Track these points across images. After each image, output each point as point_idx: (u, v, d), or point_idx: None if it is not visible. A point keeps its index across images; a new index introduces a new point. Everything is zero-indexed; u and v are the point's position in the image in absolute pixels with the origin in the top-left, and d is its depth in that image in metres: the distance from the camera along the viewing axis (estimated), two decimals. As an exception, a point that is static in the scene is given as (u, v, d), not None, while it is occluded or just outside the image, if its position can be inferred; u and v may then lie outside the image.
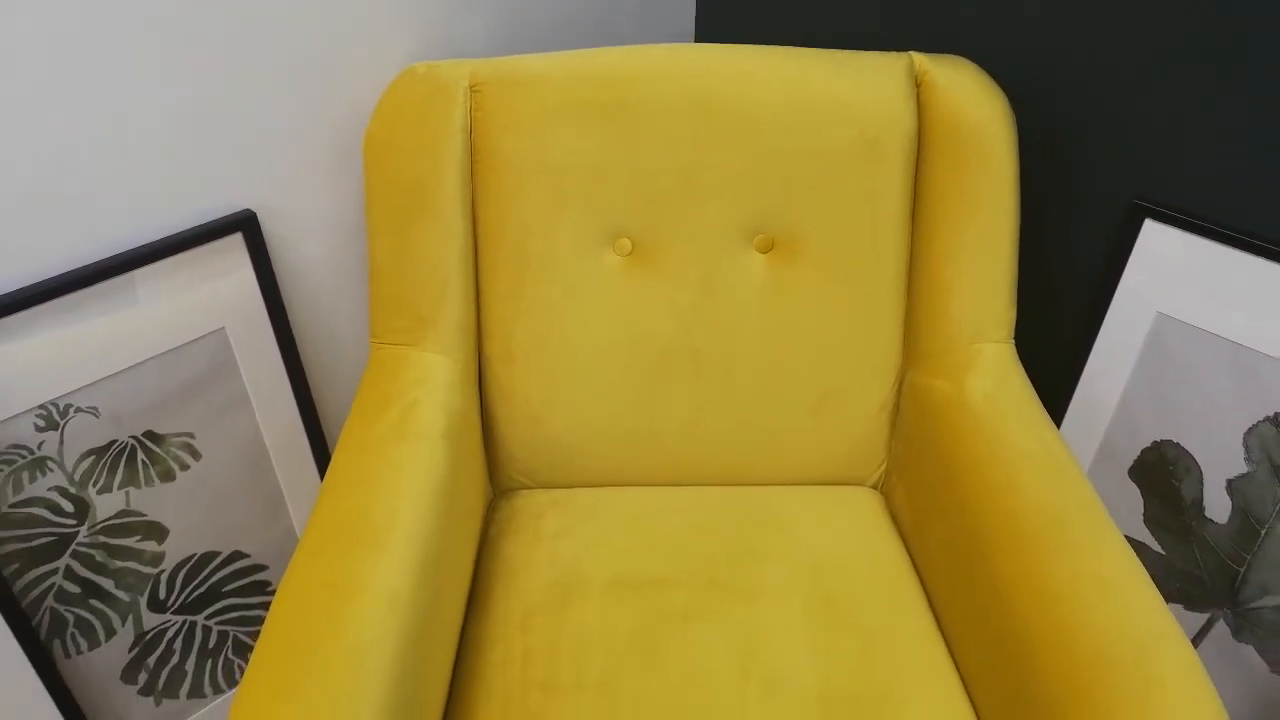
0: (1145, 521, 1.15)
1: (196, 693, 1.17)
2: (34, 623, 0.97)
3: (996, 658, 0.84)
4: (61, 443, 0.95)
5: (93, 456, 0.97)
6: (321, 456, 1.17)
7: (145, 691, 1.11)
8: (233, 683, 1.20)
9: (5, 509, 0.92)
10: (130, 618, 1.07)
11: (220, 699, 1.19)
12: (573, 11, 1.23)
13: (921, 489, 1.03)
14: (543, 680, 0.87)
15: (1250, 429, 1.03)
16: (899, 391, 1.08)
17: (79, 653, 1.03)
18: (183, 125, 0.93)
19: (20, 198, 0.85)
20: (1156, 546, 1.15)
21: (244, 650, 1.20)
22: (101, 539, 1.01)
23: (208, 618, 1.14)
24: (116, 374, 0.96)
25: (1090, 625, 0.76)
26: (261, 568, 1.17)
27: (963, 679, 0.90)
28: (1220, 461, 1.06)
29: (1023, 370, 1.01)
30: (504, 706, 0.85)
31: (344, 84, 1.04)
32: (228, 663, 1.19)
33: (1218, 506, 1.08)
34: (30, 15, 0.79)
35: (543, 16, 1.19)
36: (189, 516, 1.07)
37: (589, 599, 0.95)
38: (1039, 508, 0.85)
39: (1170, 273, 1.04)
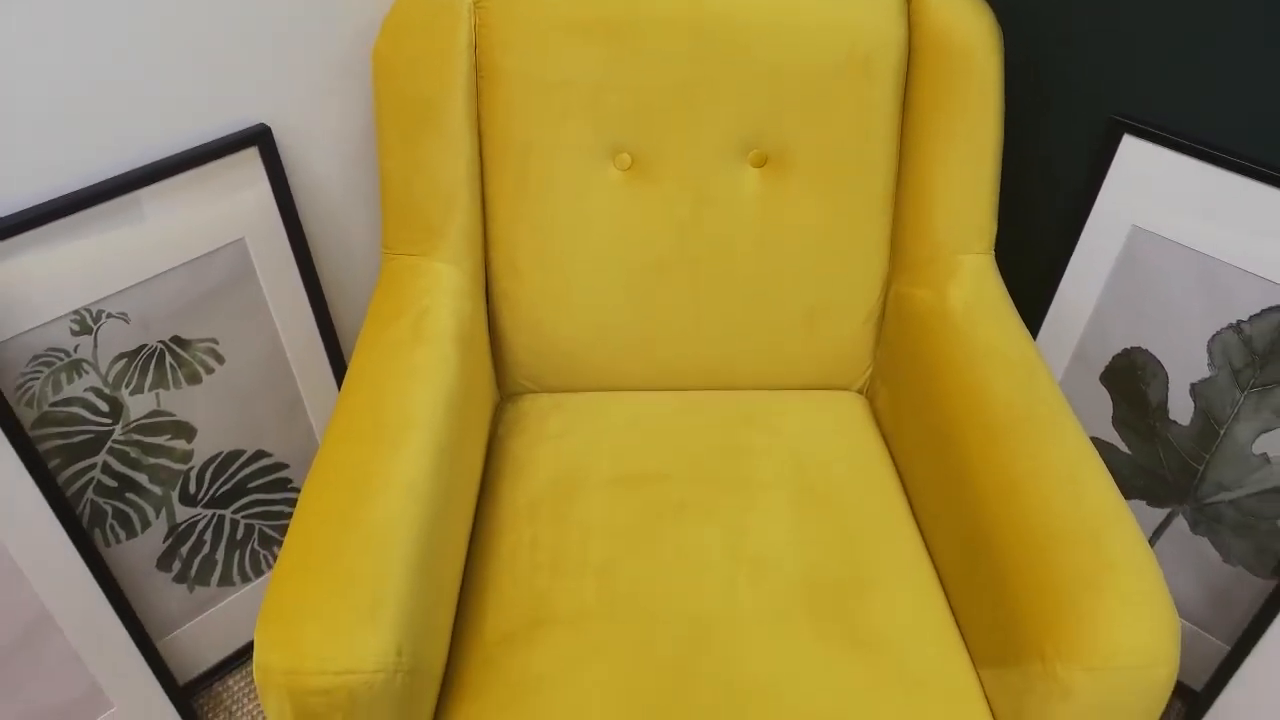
0: (1114, 423, 1.22)
1: (226, 581, 1.25)
2: (77, 513, 1.04)
3: (964, 544, 0.91)
4: (95, 346, 1.01)
5: (124, 360, 1.04)
6: (337, 362, 1.23)
7: (179, 579, 1.20)
8: (259, 572, 1.29)
9: (46, 408, 0.99)
10: (163, 510, 1.14)
11: (248, 587, 1.28)
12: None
13: (902, 392, 1.09)
14: (548, 563, 0.95)
15: (1214, 336, 1.09)
16: (885, 301, 1.14)
17: (118, 542, 1.11)
18: (199, 44, 0.97)
19: (46, 116, 0.89)
20: (1123, 446, 1.22)
21: (269, 542, 1.28)
22: (135, 437, 1.08)
23: (235, 512, 1.22)
24: (144, 281, 1.02)
25: (1048, 512, 0.83)
26: (283, 466, 1.24)
27: (935, 565, 0.98)
28: (1185, 366, 1.12)
29: (1001, 281, 1.07)
30: (513, 585, 0.93)
31: (354, 1, 1.07)
32: (254, 554, 1.27)
33: (1181, 409, 1.15)
34: (53, -65, 0.83)
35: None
36: (215, 417, 1.14)
37: (590, 492, 1.02)
38: (1007, 405, 0.92)
39: (1146, 187, 1.09)
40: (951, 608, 0.94)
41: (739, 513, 1.00)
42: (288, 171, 1.09)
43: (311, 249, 1.15)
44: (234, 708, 1.28)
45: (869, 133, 1.06)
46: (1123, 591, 0.77)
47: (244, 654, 1.31)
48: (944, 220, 1.07)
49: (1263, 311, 1.04)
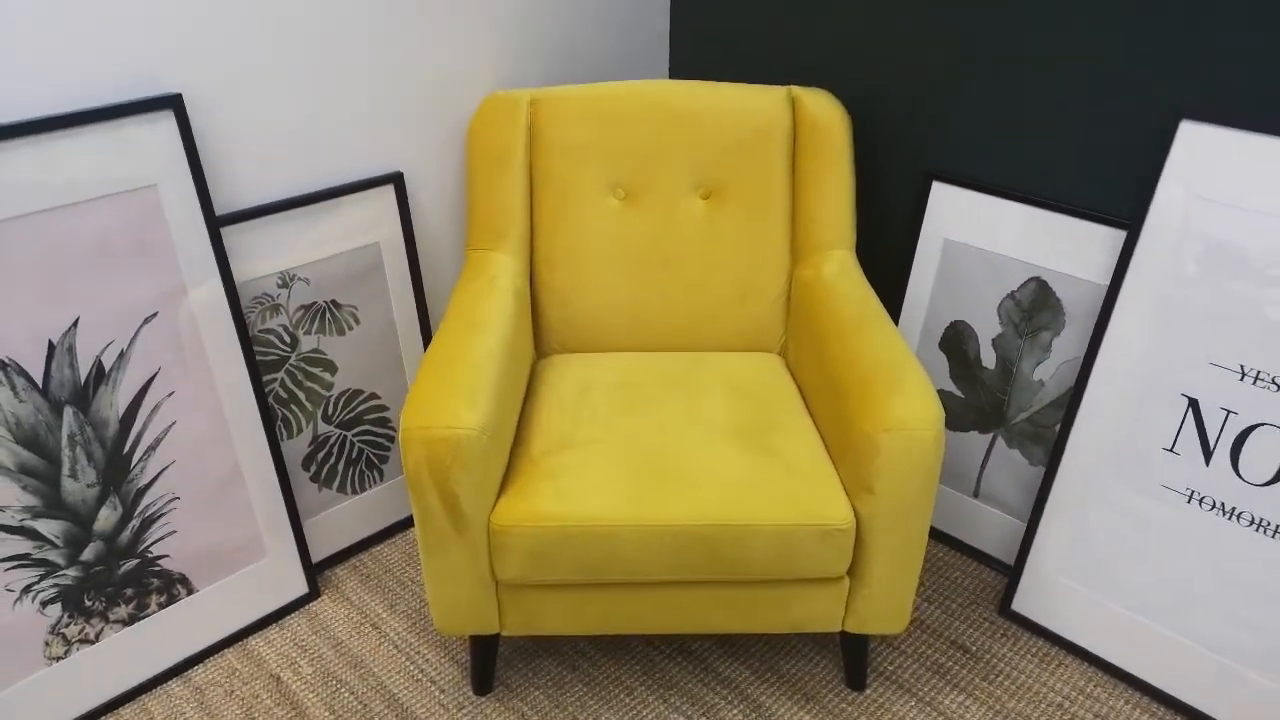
0: (950, 377, 1.79)
1: (341, 489, 1.79)
2: (269, 409, 1.60)
3: (826, 394, 1.47)
4: (289, 297, 1.60)
5: (302, 310, 1.63)
6: (426, 335, 1.82)
7: (314, 479, 1.74)
8: (363, 489, 1.82)
9: (256, 331, 1.58)
10: (311, 423, 1.70)
11: (354, 498, 1.81)
12: (589, 63, 1.95)
13: (799, 338, 1.68)
14: (571, 419, 1.51)
15: (1000, 303, 1.68)
16: (789, 283, 1.74)
17: (285, 439, 1.66)
18: (372, 118, 1.63)
19: (298, 148, 1.54)
20: (958, 393, 1.78)
21: (373, 465, 1.82)
22: (301, 365, 1.66)
23: (354, 435, 1.77)
24: (322, 259, 1.63)
25: (871, 362, 1.40)
26: (385, 407, 1.81)
27: (814, 420, 1.53)
28: (986, 328, 1.71)
29: (857, 265, 1.67)
30: (549, 429, 1.49)
31: (457, 102, 1.74)
32: (361, 473, 1.81)
33: (989, 359, 1.72)
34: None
35: (569, 69, 1.91)
36: (350, 362, 1.72)
37: (598, 390, 1.59)
38: (852, 319, 1.51)
39: (951, 214, 1.72)
40: (823, 440, 1.48)
41: (692, 399, 1.56)
42: (409, 201, 1.73)
43: (419, 254, 1.77)
44: (341, 587, 1.77)
45: (773, 176, 1.70)
46: (908, 392, 1.34)
47: (348, 553, 1.82)
48: (821, 229, 1.69)
49: (1025, 282, 1.64)
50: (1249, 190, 1.34)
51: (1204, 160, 1.37)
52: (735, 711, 1.52)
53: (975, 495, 1.83)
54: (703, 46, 2.03)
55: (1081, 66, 1.50)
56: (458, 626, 1.44)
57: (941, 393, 1.81)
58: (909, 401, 1.33)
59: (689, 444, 1.45)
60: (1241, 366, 1.38)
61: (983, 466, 1.80)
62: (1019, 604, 1.70)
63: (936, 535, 1.90)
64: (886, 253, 1.86)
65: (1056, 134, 1.56)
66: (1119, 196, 1.53)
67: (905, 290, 1.81)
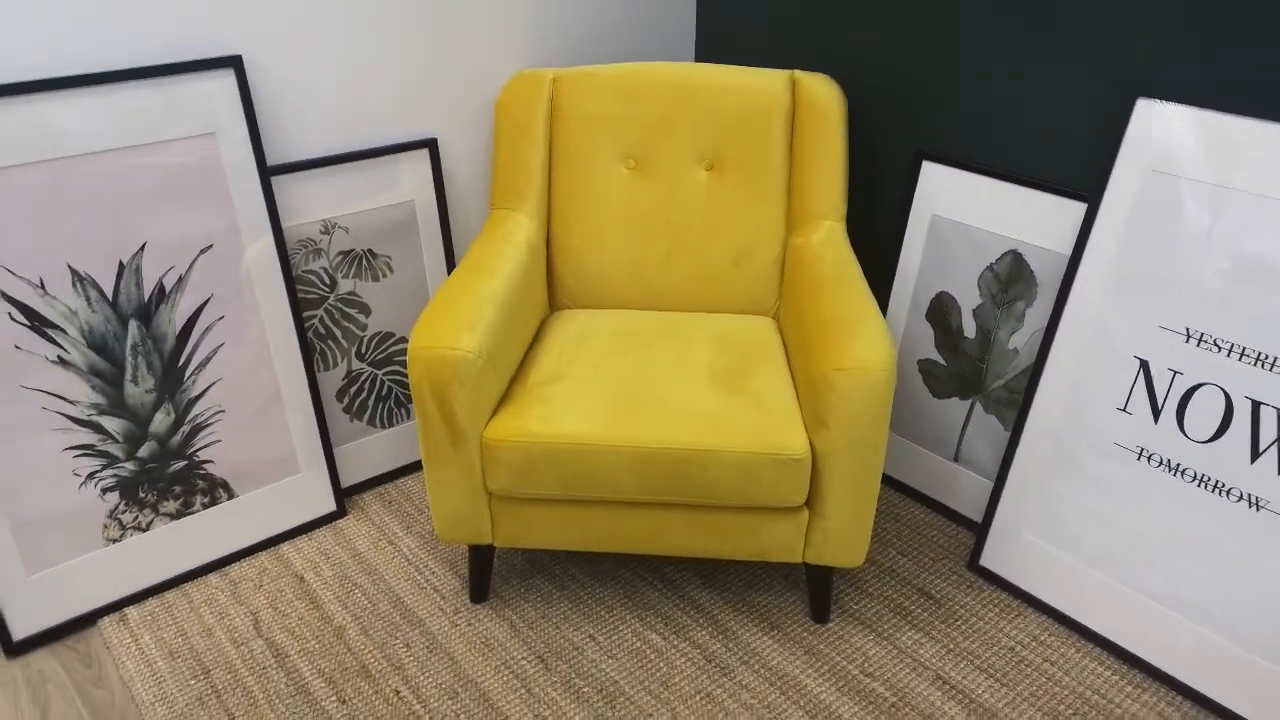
0: (935, 346, 1.90)
1: (371, 422, 1.99)
2: (306, 340, 1.80)
3: (799, 347, 1.61)
4: (330, 243, 1.81)
5: (341, 255, 1.84)
6: (455, 292, 2.01)
7: (346, 411, 1.94)
8: (391, 424, 2.02)
9: (299, 271, 1.79)
10: (345, 359, 1.90)
11: (381, 433, 2.01)
12: (615, 49, 2.13)
13: (787, 299, 1.81)
14: (569, 358, 1.67)
15: (979, 275, 1.79)
16: (784, 251, 1.87)
17: (322, 370, 1.87)
18: (410, 88, 1.83)
19: (345, 114, 1.75)
20: (942, 361, 1.89)
21: (400, 404, 2.02)
22: (339, 305, 1.86)
23: (384, 374, 1.97)
24: (360, 211, 1.83)
25: (837, 312, 1.54)
26: (415, 352, 2.00)
27: (789, 367, 1.66)
28: (968, 299, 1.82)
29: (845, 233, 1.81)
30: (547, 366, 1.65)
31: (489, 78, 1.94)
32: (389, 410, 2.01)
33: (970, 329, 1.83)
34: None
35: (590, 51, 2.09)
36: (382, 307, 1.92)
37: (597, 338, 1.75)
38: (829, 278, 1.64)
39: (939, 191, 1.83)
40: (795, 386, 1.61)
41: (680, 348, 1.71)
42: (442, 164, 1.92)
43: (449, 213, 1.96)
44: (366, 510, 1.96)
45: (771, 151, 1.85)
46: (863, 338, 1.46)
47: (375, 482, 2.02)
48: (814, 200, 1.83)
49: (1002, 255, 1.75)
50: (1198, 164, 1.43)
51: (1158, 136, 1.47)
52: (704, 633, 1.65)
53: (956, 460, 1.92)
54: (727, 36, 2.19)
55: (1052, 50, 1.61)
56: (456, 534, 1.62)
57: (927, 361, 1.92)
58: (864, 345, 1.45)
59: (670, 382, 1.60)
60: (1187, 329, 1.47)
61: (963, 432, 1.90)
62: (986, 559, 1.79)
63: (918, 497, 2.01)
64: (882, 228, 1.98)
65: (1031, 114, 1.67)
66: (1086, 172, 1.63)
67: (897, 264, 1.93)
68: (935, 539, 1.89)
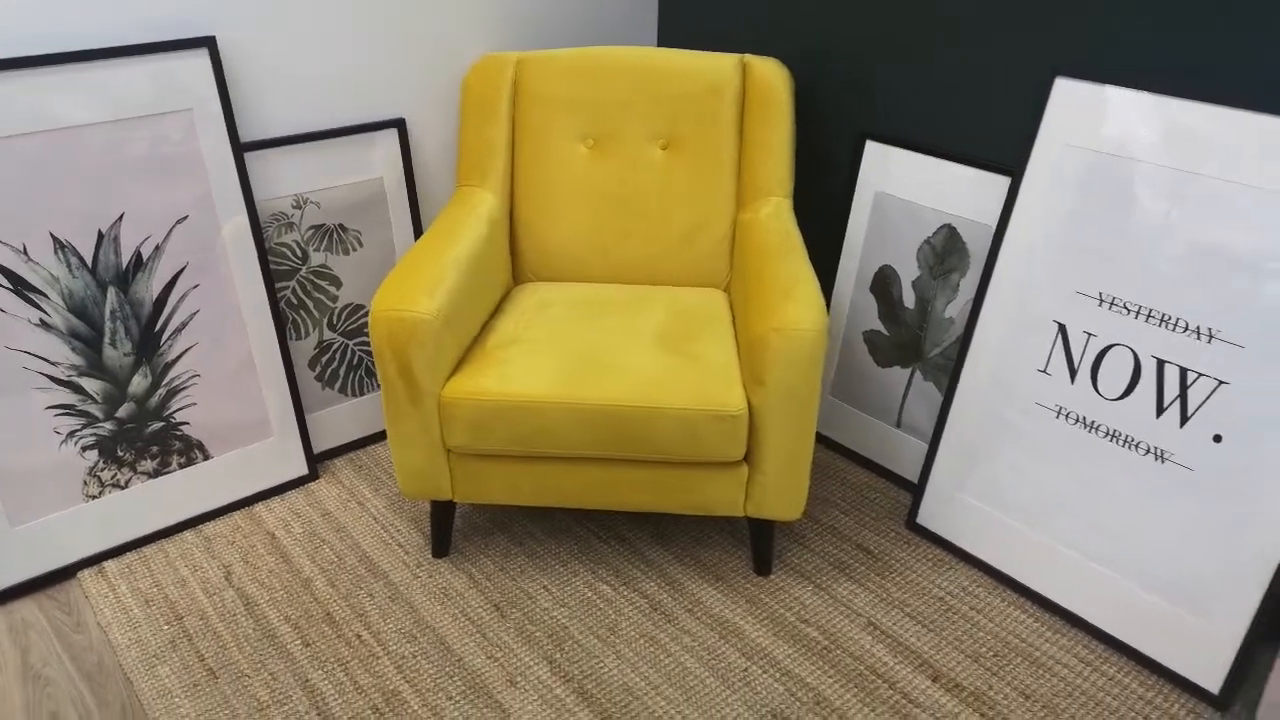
0: (879, 318, 2.00)
1: (342, 390, 2.08)
2: (279, 309, 1.90)
3: (744, 313, 1.70)
4: (302, 218, 1.90)
5: (313, 230, 1.93)
6: (423, 267, 2.10)
7: (319, 379, 2.03)
8: (361, 393, 2.11)
9: (272, 244, 1.88)
10: (317, 329, 2.00)
11: (352, 401, 2.10)
12: (578, 34, 2.22)
13: (736, 271, 1.91)
14: (525, 325, 1.77)
15: (918, 248, 1.89)
16: (734, 226, 1.97)
17: (294, 339, 1.96)
18: (380, 70, 1.93)
19: (335, 94, 1.84)
20: (886, 331, 1.99)
21: (371, 373, 2.11)
22: (310, 277, 1.95)
23: (355, 344, 2.06)
24: (332, 187, 1.92)
25: (775, 278, 1.63)
26: (385, 324, 2.09)
27: (735, 333, 1.76)
28: (907, 271, 1.92)
29: (791, 209, 1.90)
30: (504, 331, 1.75)
31: (455, 61, 2.03)
32: (360, 379, 2.10)
33: (909, 300, 1.93)
34: None
35: (554, 36, 2.19)
36: (352, 279, 2.01)
37: (555, 307, 1.85)
38: (774, 246, 1.74)
39: (881, 169, 1.93)
40: (737, 350, 1.71)
41: (632, 316, 1.81)
42: (410, 143, 2.02)
43: (417, 190, 2.06)
44: (337, 474, 2.06)
45: (722, 131, 1.94)
46: (798, 300, 1.56)
47: (347, 448, 2.11)
48: (762, 177, 1.93)
49: (939, 228, 1.85)
50: (1110, 138, 1.53)
51: (1074, 112, 1.57)
52: (653, 585, 1.75)
53: (898, 425, 2.02)
54: (687, 21, 2.29)
55: (980, 34, 1.71)
56: (418, 490, 1.71)
57: (871, 332, 2.02)
58: (798, 307, 1.55)
59: (619, 346, 1.69)
60: (1100, 294, 1.57)
61: (904, 399, 1.99)
62: (923, 517, 1.89)
63: (863, 462, 2.10)
64: (830, 206, 2.08)
65: (965, 96, 1.77)
66: (1012, 149, 1.73)
67: (844, 239, 2.03)
68: (877, 500, 1.99)
